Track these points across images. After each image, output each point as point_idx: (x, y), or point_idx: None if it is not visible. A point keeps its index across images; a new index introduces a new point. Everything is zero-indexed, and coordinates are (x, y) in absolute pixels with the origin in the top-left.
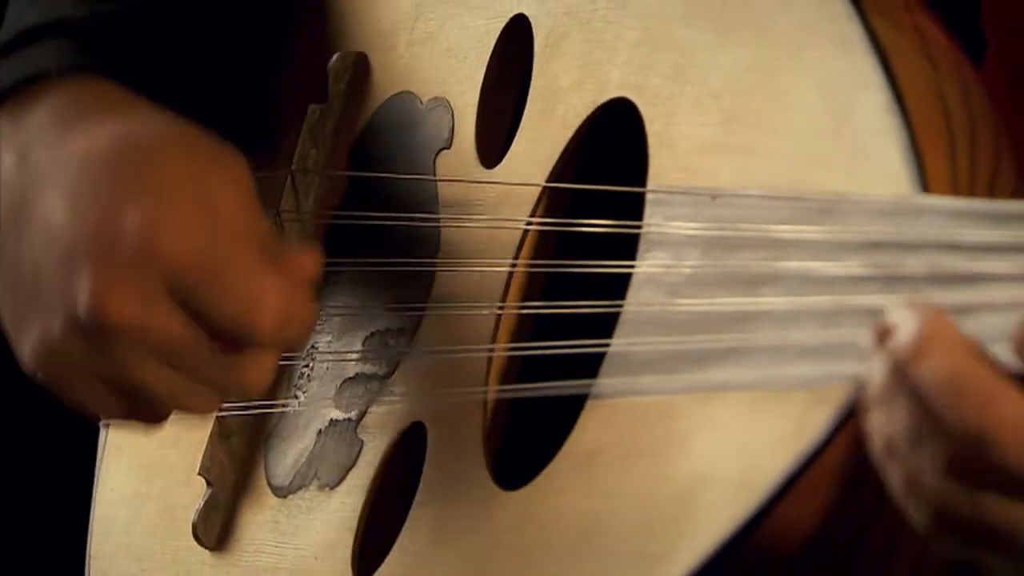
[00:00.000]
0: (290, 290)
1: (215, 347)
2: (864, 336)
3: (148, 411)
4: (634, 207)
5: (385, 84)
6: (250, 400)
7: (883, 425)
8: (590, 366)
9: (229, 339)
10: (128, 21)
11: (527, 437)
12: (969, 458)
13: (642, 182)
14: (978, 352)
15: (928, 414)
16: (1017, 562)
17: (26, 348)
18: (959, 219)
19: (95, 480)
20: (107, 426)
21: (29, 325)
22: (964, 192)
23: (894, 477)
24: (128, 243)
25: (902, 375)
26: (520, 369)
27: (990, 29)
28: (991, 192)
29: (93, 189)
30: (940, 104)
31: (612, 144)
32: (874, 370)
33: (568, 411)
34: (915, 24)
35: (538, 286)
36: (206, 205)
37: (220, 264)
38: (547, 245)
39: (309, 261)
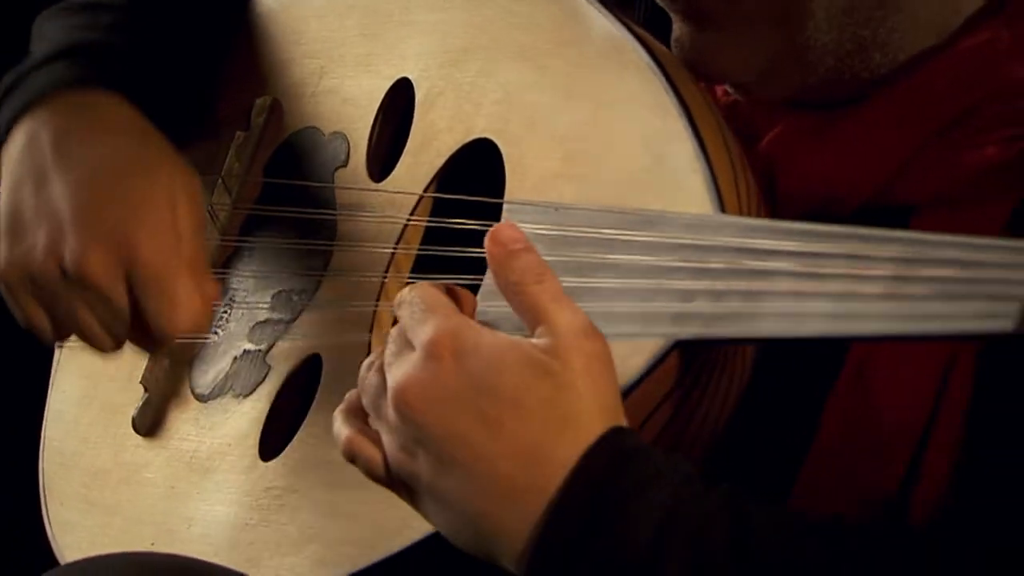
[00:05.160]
0: (198, 310)
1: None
2: (671, 308)
3: (61, 332)
4: (491, 217)
5: (294, 120)
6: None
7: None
8: None
9: (144, 318)
10: (132, 48)
11: None
12: None
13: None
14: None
15: None
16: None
17: (0, 259)
18: (751, 231)
19: (49, 385)
20: (61, 347)
21: (11, 245)
22: (745, 213)
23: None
24: (114, 229)
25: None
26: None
27: None
28: (758, 213)
29: (102, 187)
30: (726, 149)
31: (471, 173)
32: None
33: None
34: (702, 91)
35: (413, 265)
36: (172, 226)
37: (164, 271)
38: (419, 238)
39: (214, 289)
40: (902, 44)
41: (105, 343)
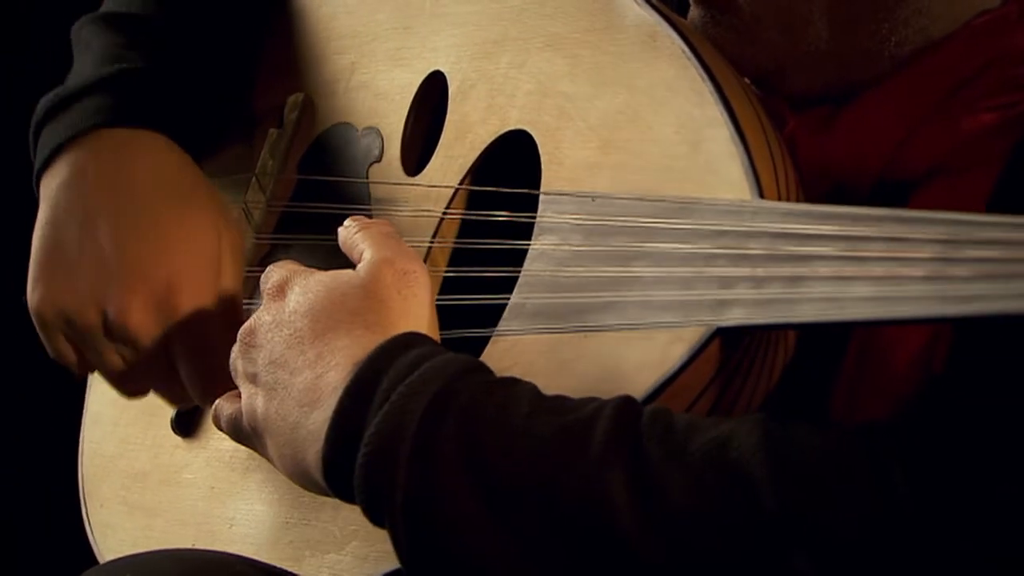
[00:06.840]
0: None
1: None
2: (712, 296)
3: (88, 369)
4: (526, 208)
5: (326, 117)
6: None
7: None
8: (490, 317)
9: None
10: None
11: None
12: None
13: (531, 195)
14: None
15: None
16: None
17: (38, 293)
18: (790, 216)
19: (88, 387)
20: None
21: (51, 282)
22: (784, 198)
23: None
24: (159, 285)
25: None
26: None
27: None
28: (797, 198)
29: (147, 236)
30: (764, 134)
31: (506, 165)
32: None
33: (474, 348)
34: (737, 76)
35: (449, 258)
36: (215, 283)
37: (204, 337)
38: (456, 230)
39: None
40: (913, 52)
41: (130, 389)
